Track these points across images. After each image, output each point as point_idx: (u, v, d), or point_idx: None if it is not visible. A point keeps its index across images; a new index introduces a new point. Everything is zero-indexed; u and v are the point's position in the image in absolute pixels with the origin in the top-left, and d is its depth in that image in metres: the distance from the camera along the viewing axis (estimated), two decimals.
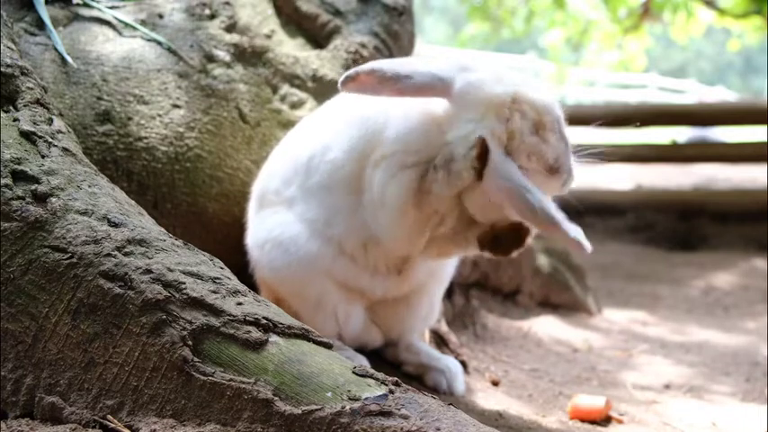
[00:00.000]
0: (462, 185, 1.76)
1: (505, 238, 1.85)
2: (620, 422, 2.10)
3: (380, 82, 1.72)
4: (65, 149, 1.64)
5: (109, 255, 1.46)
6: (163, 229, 1.61)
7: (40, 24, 2.22)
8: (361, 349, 2.15)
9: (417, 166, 1.80)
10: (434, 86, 1.75)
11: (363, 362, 1.99)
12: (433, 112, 1.79)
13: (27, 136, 1.62)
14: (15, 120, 1.65)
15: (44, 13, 2.23)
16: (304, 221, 1.95)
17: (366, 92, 1.75)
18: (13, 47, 1.81)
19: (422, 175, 1.79)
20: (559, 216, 1.68)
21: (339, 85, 1.76)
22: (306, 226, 1.94)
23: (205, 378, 1.36)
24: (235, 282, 1.53)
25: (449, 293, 2.69)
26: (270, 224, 2.01)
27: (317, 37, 2.66)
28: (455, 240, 1.92)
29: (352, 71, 1.73)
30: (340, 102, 2.08)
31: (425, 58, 1.84)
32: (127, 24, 2.37)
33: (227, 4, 2.52)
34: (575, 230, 1.69)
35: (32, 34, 2.19)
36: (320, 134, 1.98)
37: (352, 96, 2.03)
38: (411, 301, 2.15)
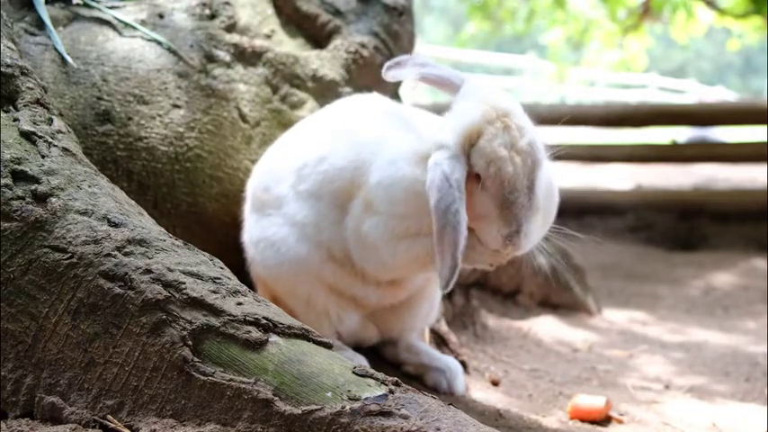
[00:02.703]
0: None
1: None
2: (620, 422, 2.10)
3: (412, 64, 1.86)
4: (65, 149, 1.64)
5: (109, 255, 1.46)
6: (163, 229, 1.61)
7: (40, 24, 2.22)
8: (357, 346, 2.16)
9: (411, 238, 1.83)
10: (450, 80, 1.84)
11: (363, 362, 1.99)
12: (418, 150, 1.81)
13: (27, 136, 1.62)
14: (15, 120, 1.65)
15: (44, 13, 2.23)
16: (295, 224, 1.96)
17: (401, 73, 1.88)
18: (13, 47, 1.80)
19: (422, 247, 1.82)
20: (446, 249, 1.66)
21: (383, 73, 1.88)
22: (297, 228, 1.96)
23: (205, 378, 1.36)
24: (235, 282, 1.53)
25: (449, 293, 2.69)
26: (264, 223, 2.02)
27: (317, 37, 2.66)
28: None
29: (392, 61, 1.89)
30: (340, 110, 2.09)
31: None
32: (127, 24, 2.37)
33: (227, 4, 2.52)
34: (446, 274, 1.67)
35: (32, 34, 2.19)
36: (316, 143, 2.00)
37: (353, 105, 2.06)
38: (411, 305, 2.15)
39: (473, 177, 1.71)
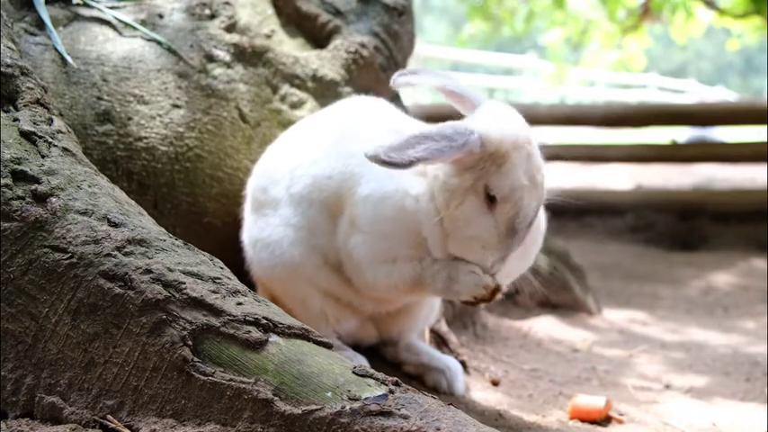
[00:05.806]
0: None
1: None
2: (620, 422, 2.10)
3: (430, 75, 1.85)
4: (65, 149, 1.64)
5: (109, 255, 1.46)
6: (163, 229, 1.61)
7: (40, 24, 2.22)
8: (356, 346, 2.15)
9: (390, 264, 1.82)
10: (468, 97, 1.81)
11: (363, 362, 1.99)
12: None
13: (27, 136, 1.62)
14: (15, 120, 1.65)
15: (44, 13, 2.23)
16: (290, 226, 1.95)
17: (416, 80, 1.85)
18: (13, 47, 1.81)
19: (399, 275, 1.82)
20: (422, 146, 1.61)
21: (392, 82, 1.85)
22: (291, 231, 1.95)
23: (205, 378, 1.36)
24: (235, 282, 1.53)
25: None
26: (261, 224, 2.02)
27: (317, 37, 2.66)
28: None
29: (407, 70, 1.86)
30: (339, 114, 2.08)
31: None
32: (127, 24, 2.37)
33: (227, 4, 2.52)
34: (402, 157, 1.62)
35: (32, 34, 2.19)
36: (310, 145, 1.99)
37: (351, 110, 2.04)
38: (410, 309, 2.14)
39: (484, 198, 1.70)
